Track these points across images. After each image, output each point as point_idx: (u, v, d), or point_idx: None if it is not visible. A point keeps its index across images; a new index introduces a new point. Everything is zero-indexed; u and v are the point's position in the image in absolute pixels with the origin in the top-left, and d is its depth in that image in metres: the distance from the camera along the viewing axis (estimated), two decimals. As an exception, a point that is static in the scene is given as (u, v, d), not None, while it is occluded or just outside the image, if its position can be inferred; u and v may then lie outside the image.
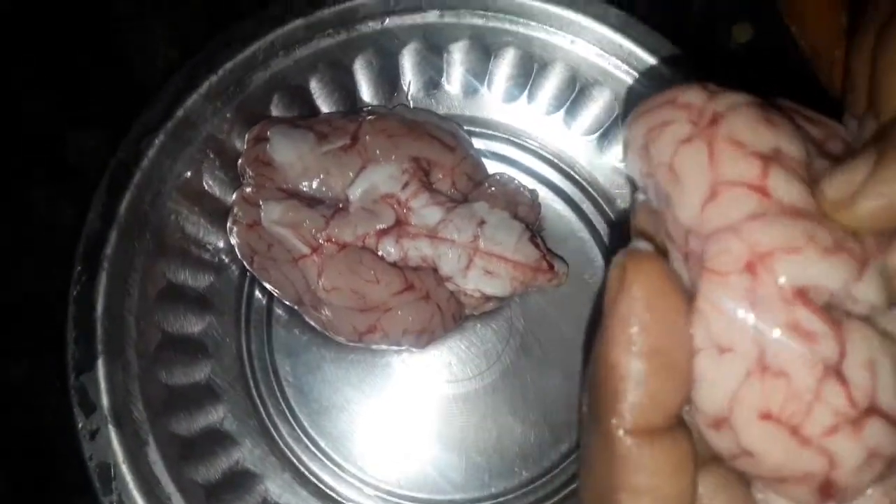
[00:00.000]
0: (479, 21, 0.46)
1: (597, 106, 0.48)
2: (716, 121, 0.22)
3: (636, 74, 0.46)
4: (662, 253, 0.24)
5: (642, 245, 0.23)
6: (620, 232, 0.47)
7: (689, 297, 0.22)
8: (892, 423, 0.20)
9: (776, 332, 0.20)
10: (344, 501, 0.43)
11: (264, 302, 0.45)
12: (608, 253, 0.47)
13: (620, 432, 0.21)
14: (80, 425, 0.39)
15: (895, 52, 0.23)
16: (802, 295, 0.20)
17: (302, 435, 0.44)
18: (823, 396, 0.20)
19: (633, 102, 0.46)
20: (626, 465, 0.21)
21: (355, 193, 0.42)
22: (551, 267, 0.43)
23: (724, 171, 0.22)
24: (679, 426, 0.22)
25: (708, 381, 0.21)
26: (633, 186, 0.26)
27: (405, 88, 0.48)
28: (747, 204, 0.21)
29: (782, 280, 0.20)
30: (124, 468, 0.38)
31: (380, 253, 0.42)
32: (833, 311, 0.21)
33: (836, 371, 0.20)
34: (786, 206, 0.21)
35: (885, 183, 0.21)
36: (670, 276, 0.22)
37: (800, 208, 0.21)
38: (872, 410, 0.20)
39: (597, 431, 0.22)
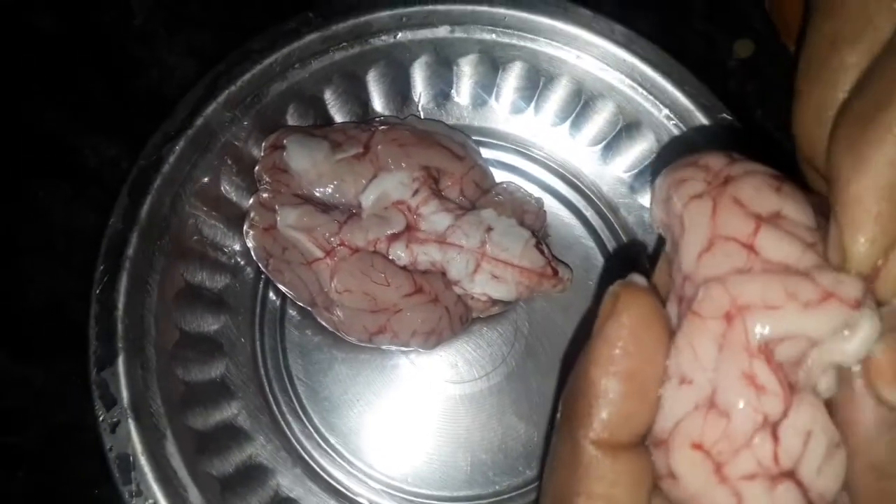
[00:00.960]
0: (487, 36, 0.48)
1: (601, 118, 0.49)
2: (727, 182, 0.24)
3: (639, 88, 0.48)
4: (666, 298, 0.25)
5: (638, 279, 0.24)
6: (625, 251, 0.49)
7: (672, 334, 0.24)
8: (803, 493, 0.22)
9: (732, 378, 0.22)
10: (353, 496, 0.44)
11: (278, 303, 0.47)
12: (610, 261, 0.49)
13: (587, 442, 0.23)
14: (100, 418, 0.40)
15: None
16: (767, 351, 0.22)
17: (313, 431, 0.45)
18: (753, 446, 0.22)
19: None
20: (588, 472, 0.23)
21: (367, 200, 0.44)
22: (556, 272, 0.44)
23: (721, 226, 0.23)
24: (642, 448, 0.24)
25: (664, 406, 0.23)
26: (662, 239, 0.28)
27: (416, 100, 0.50)
28: (736, 258, 0.23)
29: (753, 333, 0.22)
30: (143, 459, 0.40)
31: (390, 257, 0.43)
32: (795, 375, 0.22)
33: (773, 428, 0.22)
34: (773, 263, 0.23)
35: (848, 221, 0.23)
36: (658, 312, 0.24)
37: (788, 265, 0.23)
38: (791, 475, 0.22)
39: (566, 439, 0.24)
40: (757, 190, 0.24)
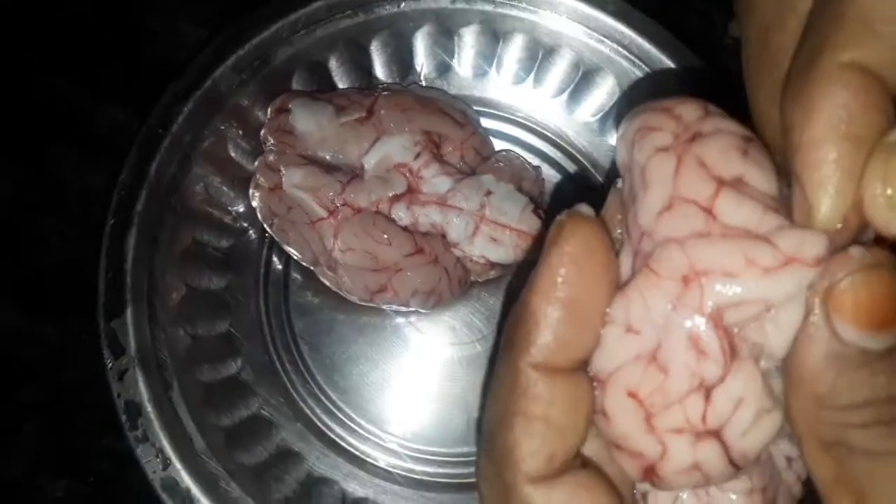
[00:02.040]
0: (488, 7, 0.49)
1: (599, 90, 0.51)
2: (694, 139, 0.24)
3: (636, 61, 0.49)
4: (618, 239, 0.26)
5: (584, 209, 0.24)
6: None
7: (621, 284, 0.24)
8: (725, 451, 0.23)
9: (678, 338, 0.22)
10: (353, 451, 0.45)
11: (281, 265, 0.48)
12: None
13: (526, 366, 0.23)
14: (109, 366, 0.41)
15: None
16: (717, 317, 0.22)
17: (315, 388, 0.46)
18: (685, 403, 0.23)
19: (633, 91, 0.49)
20: (526, 394, 0.23)
21: (370, 162, 0.45)
22: (552, 236, 0.46)
23: (682, 186, 0.23)
24: (581, 373, 0.24)
25: (606, 347, 0.24)
26: (616, 172, 0.27)
27: (418, 69, 0.51)
28: (695, 221, 0.23)
29: (707, 298, 0.22)
30: (149, 406, 0.41)
31: (392, 217, 0.45)
32: (742, 340, 0.23)
33: (707, 390, 0.22)
34: (731, 228, 0.23)
35: (808, 175, 0.22)
36: (602, 242, 0.24)
37: (748, 230, 0.23)
38: (716, 434, 0.23)
39: (506, 364, 0.24)
40: (722, 152, 0.23)
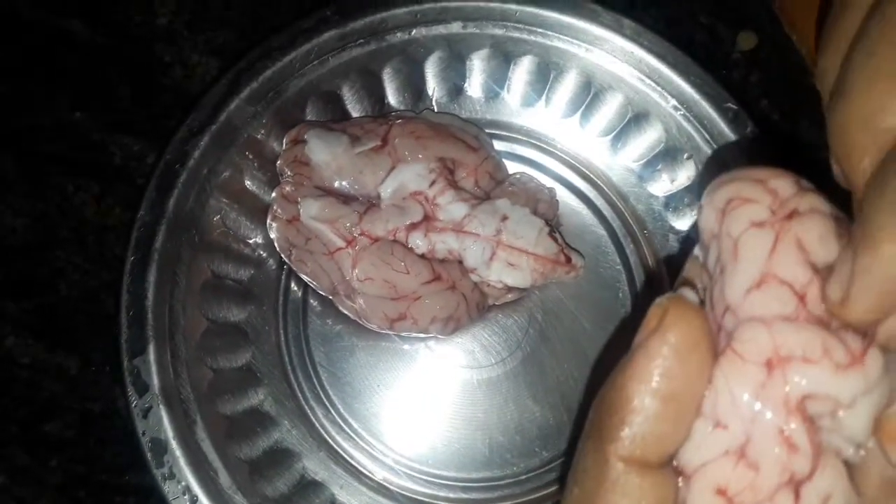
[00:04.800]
0: (499, 31, 0.50)
1: (610, 109, 0.51)
2: (792, 217, 0.23)
3: (647, 80, 0.49)
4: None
5: (690, 295, 0.24)
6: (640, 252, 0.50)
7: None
8: None
9: (768, 432, 0.22)
10: (376, 478, 0.46)
11: (300, 294, 0.48)
12: (620, 249, 0.50)
13: (616, 458, 0.22)
14: (133, 404, 0.42)
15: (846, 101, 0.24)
16: (802, 408, 0.22)
17: (336, 416, 0.46)
18: (775, 500, 0.22)
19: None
20: (614, 488, 0.22)
21: (386, 191, 0.46)
22: (569, 260, 0.46)
23: (778, 266, 0.23)
24: (668, 468, 0.23)
25: (694, 442, 0.23)
26: (693, 240, 0.27)
27: (430, 94, 0.51)
28: (786, 304, 0.22)
29: (791, 387, 0.22)
30: (174, 444, 0.41)
31: (409, 246, 0.45)
32: (822, 435, 0.22)
33: (796, 486, 0.22)
34: (814, 317, 0.22)
35: (866, 274, 0.21)
36: (707, 336, 0.23)
37: (823, 320, 0.23)
38: None
39: (594, 451, 0.23)
40: (821, 235, 0.23)
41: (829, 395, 0.22)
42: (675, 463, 0.23)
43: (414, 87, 0.51)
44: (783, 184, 0.24)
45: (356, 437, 0.46)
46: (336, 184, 0.46)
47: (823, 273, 0.23)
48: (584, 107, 0.51)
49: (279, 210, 0.45)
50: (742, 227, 0.24)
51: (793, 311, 0.22)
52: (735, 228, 0.24)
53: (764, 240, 0.23)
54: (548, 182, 0.50)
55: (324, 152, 0.45)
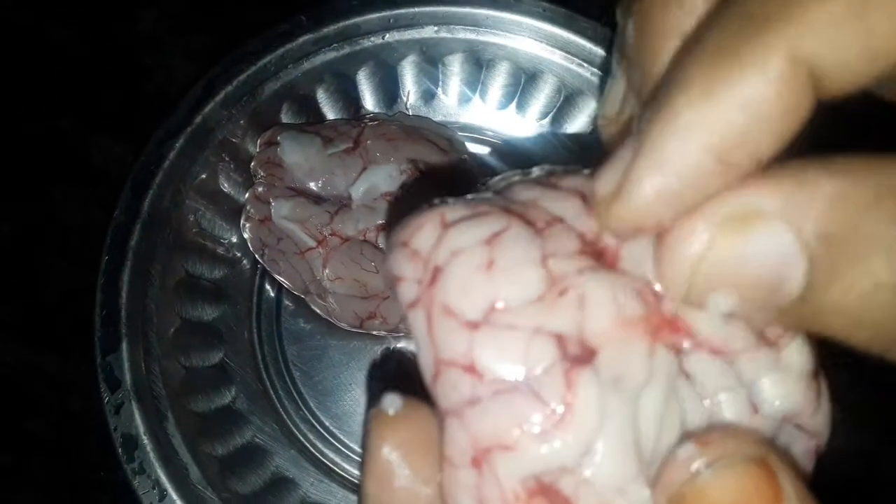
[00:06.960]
0: (471, 35, 0.50)
1: (581, 113, 0.51)
2: (434, 281, 0.19)
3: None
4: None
5: (390, 402, 0.21)
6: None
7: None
8: None
9: None
10: (347, 476, 0.46)
11: (273, 293, 0.49)
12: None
13: None
14: (105, 400, 0.42)
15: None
16: (532, 490, 0.19)
17: (308, 415, 0.47)
18: None
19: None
20: None
21: (357, 192, 0.46)
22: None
23: (439, 347, 0.19)
24: None
25: None
26: None
27: (404, 98, 0.52)
28: (463, 387, 0.19)
29: (503, 479, 0.19)
30: (145, 439, 0.42)
31: (379, 246, 0.46)
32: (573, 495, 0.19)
33: None
34: (499, 382, 0.19)
35: (656, 152, 0.17)
36: (421, 437, 0.20)
37: (512, 382, 0.19)
38: None
39: None
40: (463, 286, 0.19)
41: (549, 469, 0.19)
42: None
43: (388, 90, 0.52)
44: (423, 238, 0.20)
45: (328, 436, 0.47)
46: (308, 185, 0.47)
47: (490, 318, 0.19)
48: (555, 111, 0.52)
49: (252, 210, 0.46)
50: (405, 305, 0.20)
51: (472, 391, 0.19)
52: (403, 308, 0.21)
53: (421, 321, 0.20)
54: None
55: (296, 154, 0.46)
